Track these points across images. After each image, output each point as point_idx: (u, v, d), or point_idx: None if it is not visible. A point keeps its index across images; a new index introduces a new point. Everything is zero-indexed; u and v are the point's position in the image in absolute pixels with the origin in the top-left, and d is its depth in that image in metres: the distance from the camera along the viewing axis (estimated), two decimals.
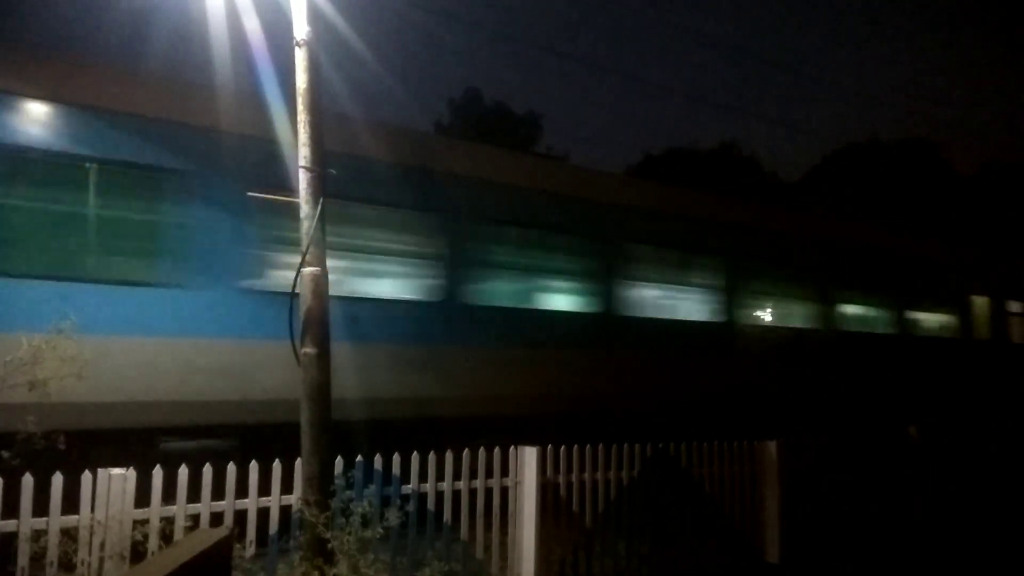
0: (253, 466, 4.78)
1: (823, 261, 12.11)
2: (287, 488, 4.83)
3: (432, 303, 8.04)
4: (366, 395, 6.82)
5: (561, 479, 5.96)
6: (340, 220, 6.35)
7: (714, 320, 10.56)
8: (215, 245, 6.66)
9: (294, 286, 4.92)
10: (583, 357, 8.98)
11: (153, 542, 4.35)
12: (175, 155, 6.54)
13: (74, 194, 6.21)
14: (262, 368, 6.55)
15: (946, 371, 13.75)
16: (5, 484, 4.03)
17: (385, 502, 5.02)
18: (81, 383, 4.61)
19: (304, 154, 4.97)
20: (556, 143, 49.26)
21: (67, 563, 4.16)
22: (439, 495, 5.43)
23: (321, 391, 4.83)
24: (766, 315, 11.80)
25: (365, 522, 4.59)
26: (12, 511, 4.09)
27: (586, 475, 6.09)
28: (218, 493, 4.71)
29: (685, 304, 10.56)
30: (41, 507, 4.15)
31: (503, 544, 5.72)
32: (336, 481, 4.83)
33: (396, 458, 5.26)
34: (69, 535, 4.20)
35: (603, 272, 9.40)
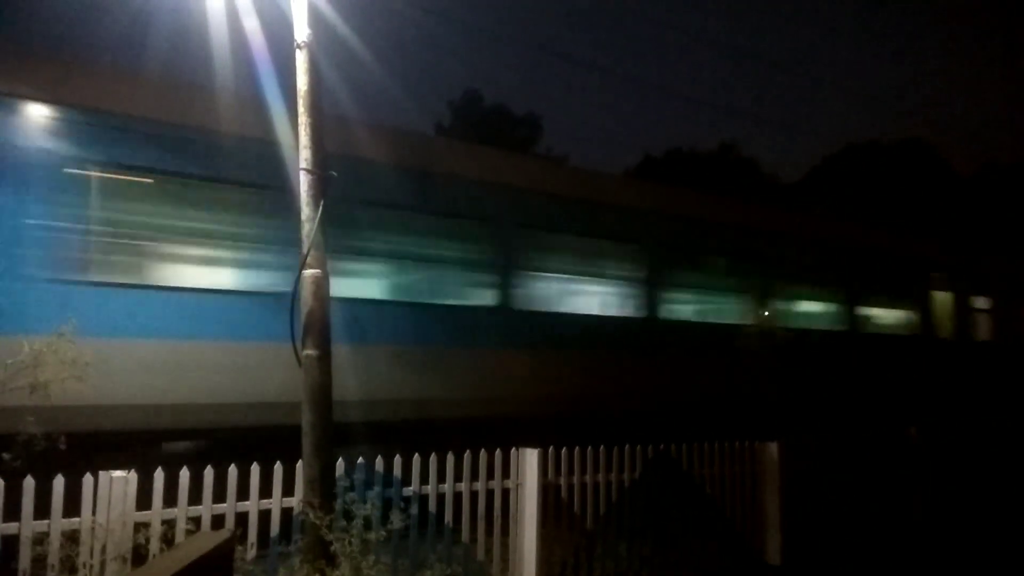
0: (254, 468, 4.78)
1: (760, 253, 11.26)
2: (288, 490, 4.84)
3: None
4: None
5: (562, 481, 5.96)
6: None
7: (634, 316, 9.75)
8: None
9: (295, 288, 4.93)
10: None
11: (154, 545, 4.35)
12: None
13: None
14: None
15: (902, 370, 12.93)
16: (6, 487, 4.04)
17: (386, 504, 5.02)
18: None
19: (305, 156, 4.97)
20: (556, 144, 49.29)
21: (68, 566, 4.16)
22: (440, 497, 5.43)
23: (322, 393, 4.83)
24: (691, 310, 10.91)
25: (368, 524, 4.59)
26: (13, 514, 4.10)
27: (587, 477, 6.09)
28: (218, 496, 4.71)
29: (596, 297, 9.77)
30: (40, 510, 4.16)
31: (504, 546, 5.72)
32: (340, 482, 4.84)
33: (397, 460, 5.27)
34: (70, 538, 4.20)
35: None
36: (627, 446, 6.32)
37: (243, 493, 4.77)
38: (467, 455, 5.61)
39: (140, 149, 6.48)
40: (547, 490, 5.84)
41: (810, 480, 7.36)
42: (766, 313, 11.33)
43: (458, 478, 5.55)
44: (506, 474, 5.76)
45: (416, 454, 5.36)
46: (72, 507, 4.23)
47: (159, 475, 4.49)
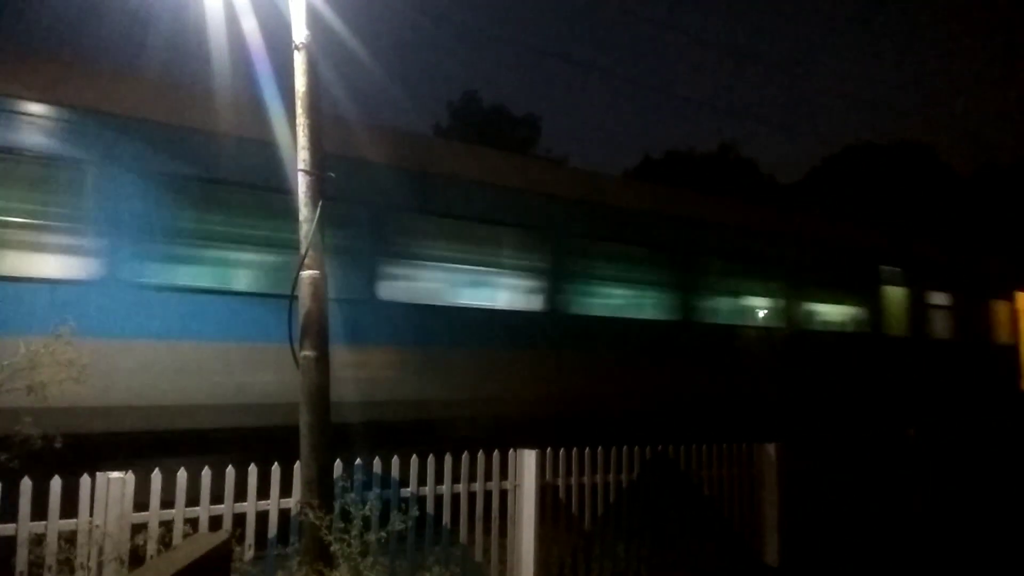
0: (252, 469, 4.77)
1: (678, 243, 10.41)
2: (286, 491, 4.83)
3: None
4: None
5: (560, 482, 5.96)
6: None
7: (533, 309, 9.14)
8: None
9: (292, 288, 4.92)
10: None
11: (152, 546, 4.35)
12: None
13: None
14: None
15: (844, 369, 12.06)
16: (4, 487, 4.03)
17: (384, 505, 5.01)
18: None
19: (303, 157, 4.96)
20: (555, 145, 49.34)
21: (66, 567, 4.15)
22: (438, 498, 5.43)
23: (320, 394, 4.82)
24: (603, 303, 10.06)
25: (367, 525, 4.59)
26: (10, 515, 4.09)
27: (585, 478, 6.09)
28: (216, 497, 4.71)
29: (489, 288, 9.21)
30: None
31: (502, 547, 5.72)
32: (341, 483, 4.84)
33: (395, 461, 5.27)
34: (68, 539, 4.20)
35: None
36: (625, 447, 6.33)
37: (241, 494, 4.77)
38: (465, 456, 5.61)
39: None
40: (545, 491, 5.84)
41: (809, 481, 7.37)
42: (674, 306, 10.32)
43: (456, 479, 5.55)
44: (504, 475, 5.76)
45: (414, 455, 5.37)
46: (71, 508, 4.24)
47: (156, 476, 4.49)
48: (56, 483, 4.18)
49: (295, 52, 5.02)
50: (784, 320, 11.66)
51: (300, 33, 5.01)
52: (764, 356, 11.12)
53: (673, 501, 6.53)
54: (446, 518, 5.45)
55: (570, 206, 9.41)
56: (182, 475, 4.57)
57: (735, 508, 6.96)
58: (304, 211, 4.94)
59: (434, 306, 8.24)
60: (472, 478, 5.62)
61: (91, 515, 4.25)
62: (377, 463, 5.17)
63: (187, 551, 3.11)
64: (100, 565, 4.19)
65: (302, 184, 4.96)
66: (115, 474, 4.33)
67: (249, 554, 4.63)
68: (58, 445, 4.18)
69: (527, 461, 5.81)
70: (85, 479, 4.27)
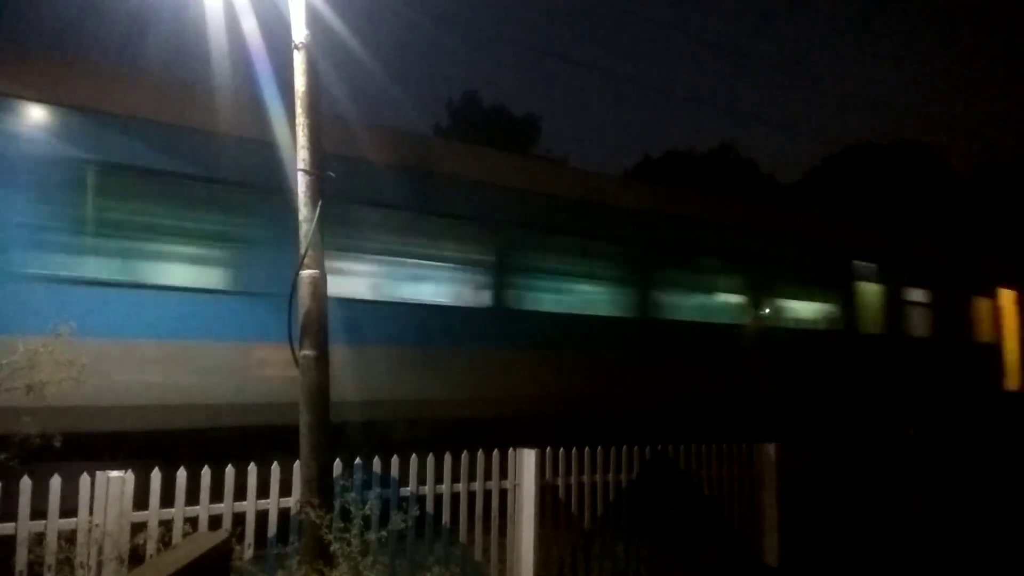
0: (252, 468, 4.77)
1: (635, 238, 10.02)
2: (286, 491, 4.84)
3: None
4: None
5: (560, 481, 5.96)
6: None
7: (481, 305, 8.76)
8: None
9: (292, 288, 4.92)
10: None
11: (151, 545, 4.35)
12: None
13: None
14: None
15: (815, 368, 11.70)
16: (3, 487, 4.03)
17: (384, 505, 5.01)
18: None
19: (303, 157, 4.96)
20: (555, 145, 49.32)
21: (66, 566, 4.15)
22: (438, 498, 5.43)
23: (320, 393, 4.82)
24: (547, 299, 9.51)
25: (367, 524, 4.59)
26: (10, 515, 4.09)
27: (585, 477, 6.09)
28: (216, 496, 4.71)
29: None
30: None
31: (502, 546, 5.72)
32: (342, 482, 4.84)
33: (395, 460, 5.27)
34: (67, 538, 4.20)
35: None
36: (625, 447, 6.32)
37: (240, 493, 4.77)
38: (464, 455, 5.61)
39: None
40: (545, 490, 5.84)
41: (809, 481, 7.37)
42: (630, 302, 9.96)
43: (456, 478, 5.55)
44: (504, 474, 5.76)
45: (413, 454, 5.37)
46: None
47: (156, 475, 4.49)
48: (56, 482, 4.18)
49: (295, 52, 5.02)
50: (750, 317, 11.31)
51: (300, 33, 5.02)
52: (736, 355, 10.85)
53: (673, 501, 6.53)
54: (446, 517, 5.45)
55: (569, 206, 9.43)
56: (182, 474, 4.57)
57: (735, 508, 6.96)
58: (304, 211, 4.94)
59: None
60: (472, 477, 5.63)
61: (91, 514, 4.25)
62: (377, 463, 5.18)
63: (187, 550, 3.11)
64: (100, 564, 4.19)
65: (302, 184, 4.96)
66: (115, 473, 4.32)
67: (249, 553, 4.63)
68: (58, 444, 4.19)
69: (527, 460, 5.81)
70: (85, 478, 4.27)
